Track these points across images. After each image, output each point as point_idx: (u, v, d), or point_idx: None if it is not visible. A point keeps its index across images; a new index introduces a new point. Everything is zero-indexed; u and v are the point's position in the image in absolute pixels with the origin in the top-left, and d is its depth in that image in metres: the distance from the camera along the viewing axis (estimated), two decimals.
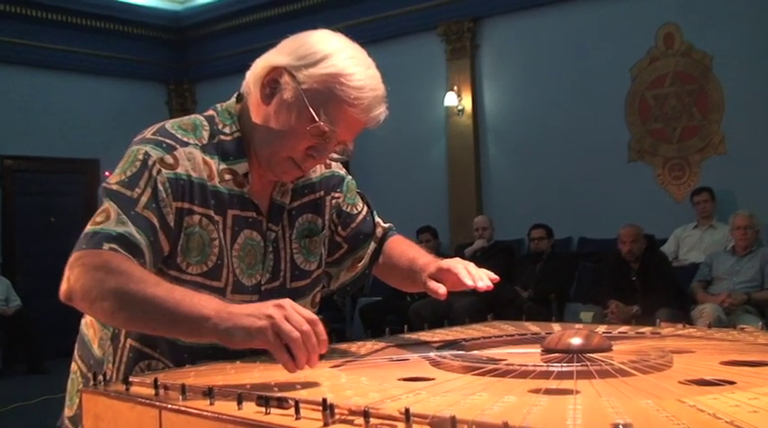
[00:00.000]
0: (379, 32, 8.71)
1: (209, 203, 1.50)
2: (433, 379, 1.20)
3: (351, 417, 0.95)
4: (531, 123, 8.32)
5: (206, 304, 1.30)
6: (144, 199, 1.45)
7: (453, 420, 0.83)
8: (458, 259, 1.66)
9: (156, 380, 1.19)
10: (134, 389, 1.23)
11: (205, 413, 1.05)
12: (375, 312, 7.46)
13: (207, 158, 1.52)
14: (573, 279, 7.19)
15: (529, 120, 8.36)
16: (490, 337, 1.64)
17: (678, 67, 7.42)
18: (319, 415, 0.95)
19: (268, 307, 1.25)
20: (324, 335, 1.23)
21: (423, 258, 1.73)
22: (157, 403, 1.13)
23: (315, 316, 1.24)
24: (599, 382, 1.11)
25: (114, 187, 1.46)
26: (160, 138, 1.51)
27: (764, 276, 5.78)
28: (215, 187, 1.52)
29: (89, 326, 1.61)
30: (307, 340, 1.20)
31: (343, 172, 1.79)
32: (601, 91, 7.84)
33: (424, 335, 1.77)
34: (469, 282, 1.59)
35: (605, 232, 7.23)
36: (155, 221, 1.44)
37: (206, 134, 1.55)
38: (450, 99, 8.83)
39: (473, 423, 0.84)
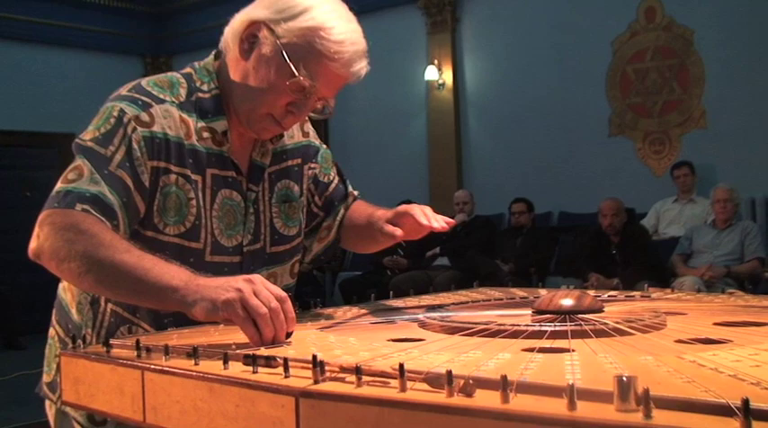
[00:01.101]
0: (359, 5, 8.55)
1: (186, 162, 1.46)
2: (422, 340, 1.17)
3: (342, 375, 0.91)
4: (512, 97, 8.30)
5: (175, 274, 1.27)
6: (118, 157, 1.40)
7: (449, 375, 0.80)
8: (414, 204, 1.62)
9: (137, 341, 1.16)
10: (115, 352, 1.20)
11: (190, 372, 1.01)
12: (355, 286, 7.44)
13: (184, 116, 1.48)
14: (553, 253, 7.20)
15: (510, 94, 8.34)
16: (478, 301, 1.61)
17: (659, 42, 7.41)
18: (309, 373, 0.92)
19: (237, 280, 1.22)
20: (292, 313, 1.21)
21: (380, 211, 1.70)
22: (140, 364, 1.09)
23: (284, 294, 1.22)
24: (594, 341, 1.08)
25: (88, 144, 1.42)
26: (136, 95, 1.46)
27: (744, 249, 5.81)
28: (192, 146, 1.47)
29: (66, 291, 1.57)
30: (274, 317, 1.18)
31: (318, 142, 1.76)
32: (582, 65, 7.82)
33: (410, 301, 1.74)
34: (425, 222, 1.55)
35: (585, 206, 7.25)
36: (128, 181, 1.40)
37: (183, 91, 1.51)
38: (431, 73, 8.78)
39: (470, 378, 0.81)
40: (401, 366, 0.84)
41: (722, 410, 0.68)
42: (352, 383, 0.88)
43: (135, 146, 1.41)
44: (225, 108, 1.51)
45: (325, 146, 1.79)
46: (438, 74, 8.79)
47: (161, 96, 1.47)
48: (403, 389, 0.83)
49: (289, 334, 1.20)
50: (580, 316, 1.24)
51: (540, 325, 1.17)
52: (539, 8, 8.14)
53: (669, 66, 7.35)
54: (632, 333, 1.12)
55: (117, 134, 1.41)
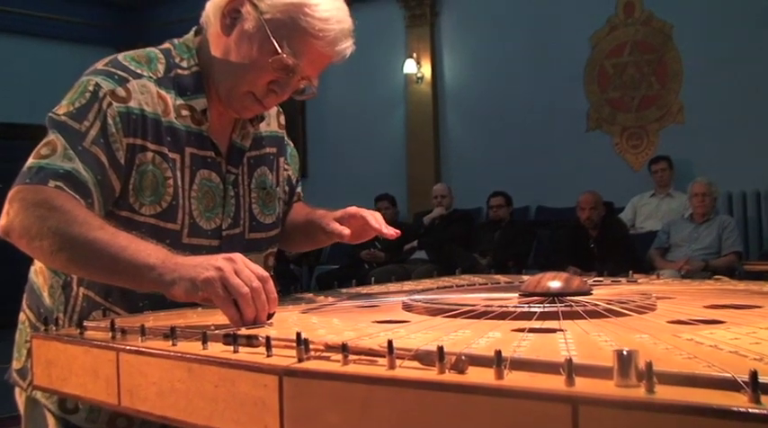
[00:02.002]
0: None
1: (163, 140, 1.41)
2: (407, 322, 1.14)
3: (327, 353, 0.87)
4: (491, 91, 8.29)
5: (151, 252, 1.22)
6: (92, 133, 1.35)
7: (441, 351, 0.77)
8: (363, 208, 1.60)
9: (112, 322, 1.11)
10: (89, 334, 1.15)
11: (167, 353, 0.97)
12: (332, 280, 7.38)
13: (162, 92, 1.43)
14: (531, 246, 7.19)
15: (488, 88, 8.33)
16: (463, 285, 1.58)
17: (638, 36, 7.43)
18: (293, 352, 0.88)
19: (218, 259, 1.17)
20: (274, 294, 1.16)
21: (320, 210, 1.67)
22: (115, 345, 1.05)
23: (266, 273, 1.17)
24: (586, 322, 1.05)
25: (62, 118, 1.36)
26: (112, 70, 1.41)
27: (722, 244, 5.84)
28: (171, 123, 1.43)
29: (38, 274, 1.51)
30: (256, 297, 1.13)
31: (286, 136, 1.72)
32: (560, 59, 7.83)
33: (393, 286, 1.71)
34: (376, 225, 1.53)
35: (563, 201, 7.26)
36: (103, 158, 1.35)
37: (161, 67, 1.46)
38: (410, 66, 8.76)
39: (462, 355, 0.77)
40: (390, 343, 0.80)
41: (727, 384, 0.65)
42: (337, 361, 0.84)
43: (110, 121, 1.36)
44: (205, 85, 1.46)
45: (291, 144, 1.75)
46: (417, 67, 8.76)
47: (138, 71, 1.42)
48: (392, 367, 0.79)
49: (270, 315, 1.16)
50: (569, 298, 1.21)
51: (529, 306, 1.13)
52: (518, 2, 8.14)
53: (647, 60, 7.37)
54: (625, 313, 1.10)
55: (92, 109, 1.36)
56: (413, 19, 8.82)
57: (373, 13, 8.96)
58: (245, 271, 1.15)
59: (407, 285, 1.73)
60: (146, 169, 1.39)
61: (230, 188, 1.51)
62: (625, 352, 0.70)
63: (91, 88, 1.38)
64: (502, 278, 1.79)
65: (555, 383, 0.70)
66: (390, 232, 1.53)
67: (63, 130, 1.35)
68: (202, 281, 1.14)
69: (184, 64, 1.47)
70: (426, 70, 8.76)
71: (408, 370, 0.79)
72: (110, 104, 1.37)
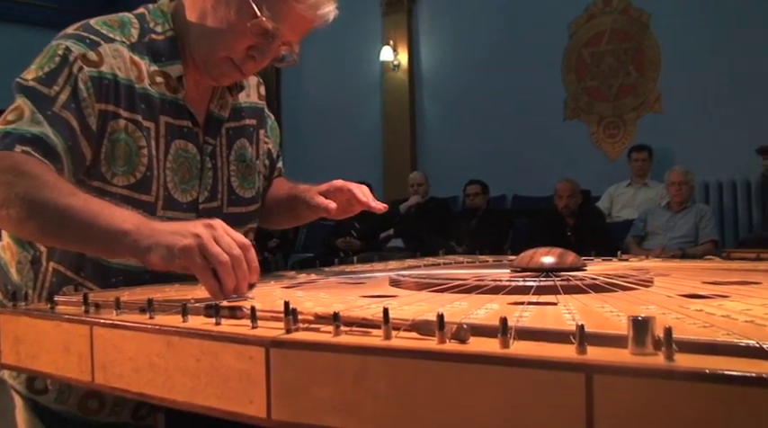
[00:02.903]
0: None
1: (137, 107, 1.34)
2: (397, 297, 1.08)
3: (316, 325, 0.82)
4: (468, 79, 8.25)
5: (126, 218, 1.15)
6: (62, 98, 1.28)
7: (441, 319, 0.71)
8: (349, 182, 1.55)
9: (85, 295, 1.05)
10: (60, 308, 1.08)
11: (144, 325, 0.91)
12: (308, 268, 7.31)
13: (135, 58, 1.36)
14: (508, 234, 7.16)
15: (465, 76, 8.28)
16: (450, 263, 1.53)
17: (616, 25, 7.42)
18: (280, 324, 0.82)
19: (196, 225, 1.09)
20: (255, 262, 1.09)
21: (303, 185, 1.61)
22: (88, 318, 0.99)
23: (247, 241, 1.10)
24: (586, 296, 1.00)
25: (30, 83, 1.29)
26: (83, 34, 1.34)
27: (699, 232, 5.84)
28: (145, 90, 1.36)
29: (5, 249, 1.44)
30: (237, 265, 1.06)
31: (266, 108, 1.65)
32: (538, 48, 7.80)
33: (377, 266, 1.66)
34: (363, 199, 1.47)
35: (539, 190, 7.24)
36: (74, 123, 1.28)
37: (135, 32, 1.39)
38: (386, 54, 8.69)
39: (464, 323, 0.72)
40: (386, 311, 0.75)
41: (751, 352, 0.61)
42: (328, 332, 0.79)
43: (81, 86, 1.29)
44: (180, 51, 1.40)
45: (272, 117, 1.69)
46: (393, 55, 8.70)
47: (111, 35, 1.35)
48: (387, 337, 0.74)
49: (251, 286, 1.10)
50: (564, 273, 1.16)
51: (524, 280, 1.09)
52: None
53: (625, 49, 7.37)
54: (627, 286, 1.05)
55: (62, 73, 1.29)
56: (390, 6, 8.75)
57: (350, 1, 8.88)
58: (226, 238, 1.08)
59: (392, 264, 1.68)
60: (118, 137, 1.33)
61: (207, 159, 1.44)
62: (641, 318, 0.65)
63: (61, 52, 1.30)
64: (488, 257, 1.75)
65: (565, 352, 0.65)
66: (379, 206, 1.47)
67: (31, 95, 1.27)
68: (180, 249, 1.07)
69: (159, 29, 1.40)
70: (403, 58, 8.71)
71: (405, 340, 0.74)
72: (81, 68, 1.30)
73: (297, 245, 8.49)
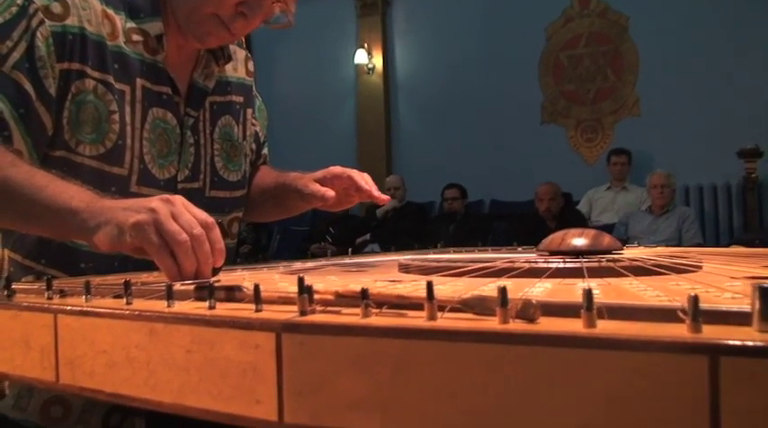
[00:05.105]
0: None
1: (109, 67, 1.18)
2: (414, 282, 0.93)
3: (334, 308, 0.67)
4: (444, 83, 8.13)
5: (74, 194, 1.00)
6: (15, 56, 1.11)
7: (504, 293, 0.56)
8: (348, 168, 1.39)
9: (48, 280, 0.88)
10: (19, 298, 0.92)
11: (122, 311, 0.74)
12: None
13: (109, 11, 1.20)
14: (487, 239, 7.04)
15: (441, 79, 8.17)
16: (461, 250, 1.38)
17: (593, 28, 7.35)
18: (291, 307, 0.67)
19: (152, 200, 0.94)
20: (220, 243, 0.93)
21: (293, 173, 1.46)
22: (52, 305, 0.82)
23: (210, 219, 0.93)
24: (643, 278, 0.85)
25: None
26: None
27: (682, 235, 5.75)
28: (119, 48, 1.20)
29: None
30: (197, 246, 0.90)
31: (254, 87, 1.50)
32: (515, 51, 7.70)
33: (378, 256, 1.50)
34: (366, 187, 1.32)
35: (517, 194, 7.14)
36: (27, 86, 1.11)
37: None
38: (361, 57, 8.56)
39: (532, 299, 0.57)
40: (430, 285, 0.60)
41: None
42: (354, 314, 0.63)
43: (39, 43, 1.13)
44: (161, 8, 1.24)
45: (260, 98, 1.54)
46: (368, 58, 8.57)
47: None
48: (433, 317, 0.59)
49: (216, 270, 0.94)
50: (604, 256, 1.02)
51: (564, 262, 0.94)
52: None
53: (603, 52, 7.30)
54: (683, 269, 0.90)
55: (17, 26, 1.12)
56: (364, 8, 8.62)
57: (323, 2, 8.74)
58: (185, 214, 0.91)
59: (389, 255, 1.53)
60: (84, 99, 1.16)
61: (188, 133, 1.28)
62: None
63: (19, 1, 1.14)
64: (488, 249, 1.60)
65: (670, 330, 0.51)
66: (383, 197, 1.32)
67: None
68: (131, 226, 0.91)
69: None
70: (378, 61, 8.57)
71: (455, 321, 0.58)
72: (41, 22, 1.13)
73: (270, 252, 8.30)
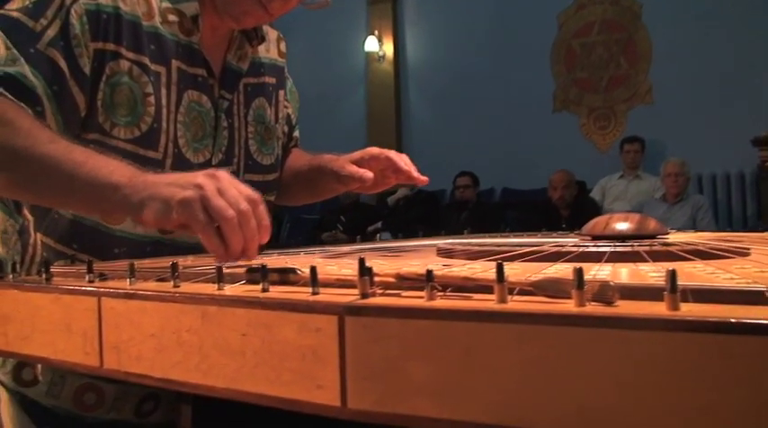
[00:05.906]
0: None
1: (144, 48, 1.16)
2: (466, 265, 0.91)
3: (397, 290, 0.65)
4: (455, 71, 8.09)
5: (115, 169, 0.97)
6: (50, 33, 1.09)
7: (580, 274, 0.54)
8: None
9: (90, 263, 0.86)
10: (57, 280, 0.90)
11: (172, 294, 0.73)
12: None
13: None
14: (499, 228, 7.01)
15: (452, 67, 8.12)
16: (496, 235, 1.36)
17: (606, 15, 7.29)
18: (348, 290, 0.65)
19: (197, 176, 0.91)
20: (266, 220, 0.90)
21: (326, 155, 1.43)
22: (95, 288, 0.80)
23: (256, 194, 0.91)
24: (700, 262, 0.83)
25: (13, 14, 1.10)
26: None
27: (696, 224, 5.71)
28: (155, 28, 1.17)
29: None
30: (244, 222, 0.87)
31: (286, 68, 1.48)
32: (526, 39, 7.65)
33: (409, 241, 1.48)
34: (406, 168, 1.31)
35: (529, 183, 7.10)
36: (62, 64, 1.09)
37: None
38: (371, 44, 8.51)
39: (609, 281, 0.55)
40: (500, 267, 0.58)
41: None
42: (416, 297, 0.61)
43: (74, 21, 1.10)
44: None
45: (291, 78, 1.51)
46: (378, 45, 8.53)
47: None
48: (503, 300, 0.57)
49: (261, 248, 0.92)
50: (652, 240, 1.00)
51: (614, 246, 0.92)
52: None
53: (616, 40, 7.24)
54: (742, 252, 0.88)
55: (51, 4, 1.10)
56: None
57: None
58: (232, 190, 0.89)
59: (424, 240, 1.51)
60: (119, 81, 1.13)
61: (223, 116, 1.26)
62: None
63: None
64: (514, 234, 1.57)
65: (753, 313, 0.49)
66: (422, 178, 1.30)
67: (12, 29, 1.08)
68: (178, 202, 0.88)
69: None
70: (388, 48, 8.53)
71: (525, 303, 0.57)
72: (75, 1, 1.11)
73: (280, 240, 8.29)
